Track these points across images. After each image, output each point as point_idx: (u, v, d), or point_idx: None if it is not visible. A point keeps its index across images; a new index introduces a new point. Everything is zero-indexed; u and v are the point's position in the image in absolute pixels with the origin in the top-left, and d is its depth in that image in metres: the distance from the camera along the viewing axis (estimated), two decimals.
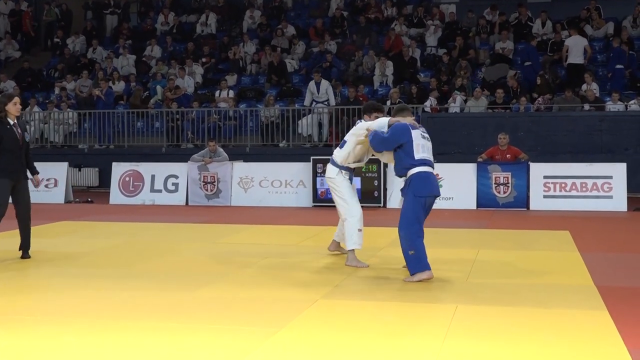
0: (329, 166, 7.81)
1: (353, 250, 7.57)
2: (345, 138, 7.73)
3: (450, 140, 16.14)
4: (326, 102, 17.81)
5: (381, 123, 7.18)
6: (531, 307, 5.77)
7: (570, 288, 6.54)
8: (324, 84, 17.89)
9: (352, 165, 7.74)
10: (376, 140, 7.11)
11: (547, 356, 4.50)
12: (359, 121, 7.80)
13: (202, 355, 4.58)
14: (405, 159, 6.94)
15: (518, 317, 5.46)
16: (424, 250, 6.80)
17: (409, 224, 6.84)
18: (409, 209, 6.86)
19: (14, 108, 8.00)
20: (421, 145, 7.00)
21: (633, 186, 14.12)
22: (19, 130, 8.07)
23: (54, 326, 5.26)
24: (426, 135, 7.16)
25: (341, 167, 7.67)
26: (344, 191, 7.63)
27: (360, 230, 7.55)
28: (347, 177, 7.69)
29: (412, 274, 6.79)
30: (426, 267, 6.76)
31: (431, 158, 7.08)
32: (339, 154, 7.71)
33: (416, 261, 6.76)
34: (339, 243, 8.16)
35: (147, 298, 6.20)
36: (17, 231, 8.19)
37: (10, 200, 8.06)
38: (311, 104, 17.87)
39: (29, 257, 8.19)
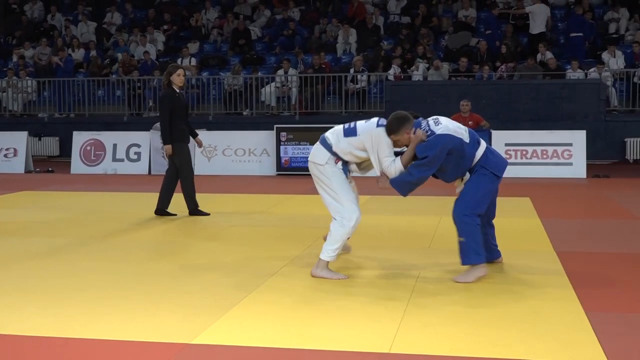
0: (318, 147, 5.74)
1: (327, 261, 5.71)
2: (359, 130, 5.65)
3: (413, 108, 15.80)
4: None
5: (398, 167, 5.60)
6: (491, 271, 5.85)
7: (530, 253, 6.65)
8: (291, 72, 17.76)
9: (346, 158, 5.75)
10: (408, 181, 5.58)
11: (507, 316, 4.59)
12: (380, 127, 5.70)
13: (170, 323, 4.59)
14: (466, 151, 5.69)
15: (478, 282, 5.54)
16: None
17: (475, 205, 5.59)
18: (481, 188, 5.62)
19: (178, 79, 8.64)
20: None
21: (592, 153, 14.37)
22: (183, 98, 8.94)
23: (14, 296, 5.23)
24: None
25: (336, 155, 5.68)
26: (335, 185, 5.64)
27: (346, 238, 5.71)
28: (341, 168, 5.71)
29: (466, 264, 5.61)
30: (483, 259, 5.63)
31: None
32: (338, 140, 5.68)
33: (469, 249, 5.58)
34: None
35: (110, 268, 6.16)
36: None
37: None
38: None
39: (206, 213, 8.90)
